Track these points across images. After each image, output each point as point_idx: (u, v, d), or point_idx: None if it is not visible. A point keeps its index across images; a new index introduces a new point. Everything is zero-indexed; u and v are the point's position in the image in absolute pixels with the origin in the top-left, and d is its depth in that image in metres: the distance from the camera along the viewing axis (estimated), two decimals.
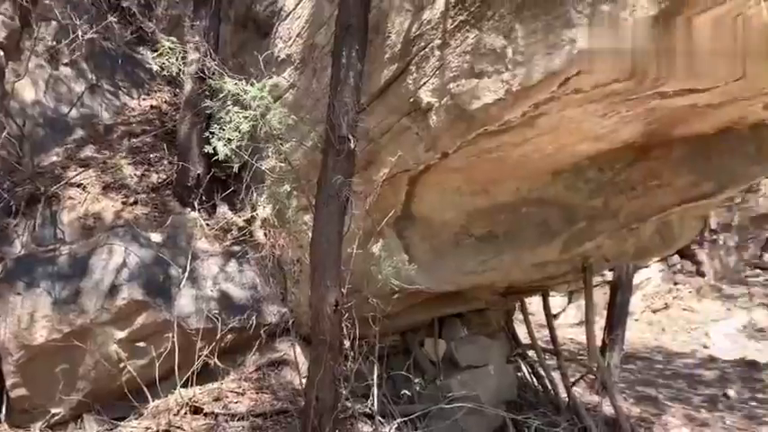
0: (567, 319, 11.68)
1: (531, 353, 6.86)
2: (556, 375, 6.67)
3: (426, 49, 3.98)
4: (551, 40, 3.29)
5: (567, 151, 4.52)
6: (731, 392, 8.70)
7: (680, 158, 4.75)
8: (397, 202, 4.71)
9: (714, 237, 13.99)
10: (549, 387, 6.56)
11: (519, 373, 6.88)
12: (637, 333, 11.48)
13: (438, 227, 5.01)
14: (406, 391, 5.14)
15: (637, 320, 12.02)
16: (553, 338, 6.56)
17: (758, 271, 14.54)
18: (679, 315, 12.47)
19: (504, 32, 3.50)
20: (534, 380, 6.81)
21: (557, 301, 11.75)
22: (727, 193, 4.99)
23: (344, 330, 4.01)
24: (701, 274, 13.57)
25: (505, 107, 3.61)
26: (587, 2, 3.13)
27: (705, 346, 11.12)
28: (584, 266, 5.56)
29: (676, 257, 13.47)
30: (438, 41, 3.89)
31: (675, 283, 13.34)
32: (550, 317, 6.59)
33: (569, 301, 11.75)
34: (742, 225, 14.59)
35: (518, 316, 7.18)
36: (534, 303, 8.17)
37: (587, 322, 5.95)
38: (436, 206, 4.90)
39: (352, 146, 3.75)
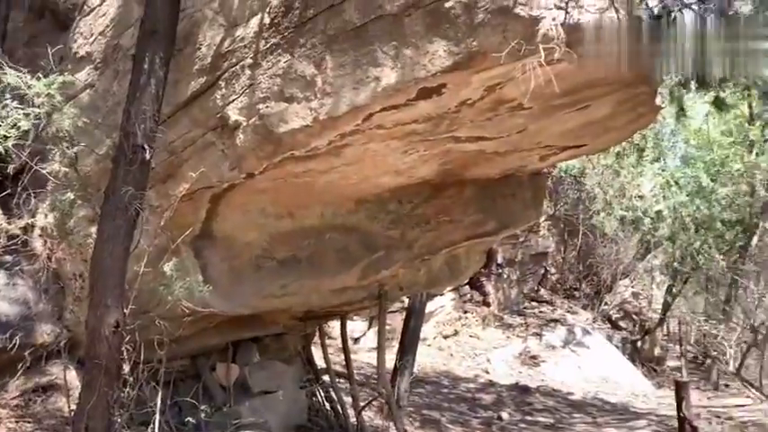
0: (368, 343, 11.99)
1: (326, 377, 6.93)
2: (349, 400, 6.80)
3: (237, 67, 3.92)
4: (358, 75, 3.42)
5: (370, 182, 4.70)
6: (504, 415, 9.51)
7: (470, 198, 5.18)
8: (196, 220, 4.52)
9: (500, 270, 15.34)
10: (340, 411, 6.67)
11: (313, 398, 6.91)
12: (428, 358, 12.13)
13: (239, 248, 4.90)
14: (191, 419, 4.90)
15: (429, 346, 12.71)
16: (347, 363, 6.70)
17: (534, 303, 16.19)
18: (466, 341, 13.42)
19: (315, 61, 3.57)
20: (327, 404, 6.87)
21: (358, 325, 12.05)
22: (507, 232, 5.53)
23: (125, 354, 3.71)
24: (487, 304, 14.76)
25: (312, 134, 3.67)
26: (392, 44, 3.30)
27: (486, 372, 12.07)
28: (379, 293, 5.77)
29: (467, 288, 14.53)
30: (250, 60, 3.85)
31: (465, 312, 14.34)
32: (346, 341, 6.73)
33: (370, 326, 12.10)
34: (524, 261, 16.20)
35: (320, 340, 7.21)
36: (338, 327, 8.27)
37: (378, 348, 6.18)
38: (239, 226, 4.79)
39: (147, 156, 3.53)
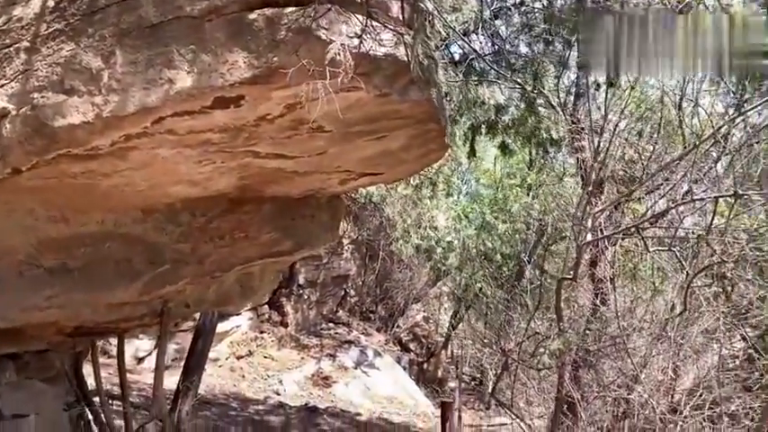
0: (153, 362, 11.24)
1: (97, 399, 6.35)
2: (121, 423, 6.30)
3: (11, 49, 3.50)
4: (150, 75, 3.22)
5: (160, 190, 4.42)
6: None
7: (267, 216, 5.10)
8: None
9: (300, 291, 15.41)
10: None
11: (80, 422, 6.29)
12: (218, 379, 11.72)
13: None
14: None
15: (221, 366, 12.29)
16: (122, 383, 6.21)
17: (332, 325, 16.46)
18: (260, 362, 13.19)
19: (103, 55, 3.30)
20: (95, 428, 6.30)
21: (144, 344, 11.32)
22: (303, 253, 5.54)
23: None
24: (285, 325, 14.70)
25: (93, 132, 3.37)
26: (191, 48, 3.17)
27: (277, 393, 11.95)
28: (162, 310, 5.44)
29: (266, 307, 14.36)
30: (27, 44, 3.47)
31: (261, 332, 14.14)
32: (122, 360, 6.24)
33: (156, 345, 11.38)
34: (325, 282, 16.44)
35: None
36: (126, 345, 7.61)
37: (156, 368, 5.83)
38: (1, 228, 4.23)
39: None
